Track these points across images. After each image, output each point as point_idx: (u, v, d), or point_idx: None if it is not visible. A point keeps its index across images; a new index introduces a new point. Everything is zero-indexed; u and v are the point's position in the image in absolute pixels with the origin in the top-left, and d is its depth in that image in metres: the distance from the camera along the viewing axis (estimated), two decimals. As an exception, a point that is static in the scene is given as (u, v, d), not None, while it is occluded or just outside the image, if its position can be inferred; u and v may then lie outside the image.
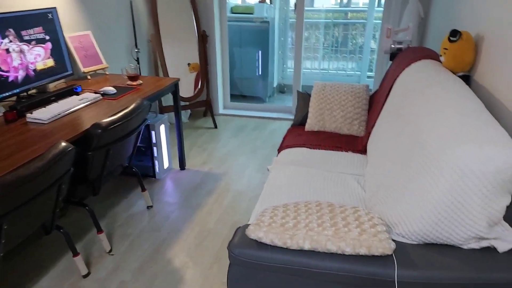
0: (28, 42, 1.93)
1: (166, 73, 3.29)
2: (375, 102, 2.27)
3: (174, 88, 2.54)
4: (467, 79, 1.73)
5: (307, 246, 1.12)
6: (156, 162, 2.61)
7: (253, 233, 1.18)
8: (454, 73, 1.70)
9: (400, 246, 1.12)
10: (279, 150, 2.28)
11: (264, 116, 3.85)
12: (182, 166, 2.81)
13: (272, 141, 3.31)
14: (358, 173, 1.86)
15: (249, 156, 3.04)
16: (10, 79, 1.84)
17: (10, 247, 1.41)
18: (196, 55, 3.49)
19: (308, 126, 2.36)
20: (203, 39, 3.48)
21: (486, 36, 1.64)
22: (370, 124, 2.14)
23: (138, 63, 3.09)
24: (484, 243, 1.07)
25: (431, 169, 1.10)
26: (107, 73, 2.62)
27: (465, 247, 1.10)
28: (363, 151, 2.09)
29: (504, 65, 1.44)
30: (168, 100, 3.47)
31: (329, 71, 4.90)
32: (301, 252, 1.13)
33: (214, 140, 3.34)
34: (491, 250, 1.08)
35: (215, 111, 3.88)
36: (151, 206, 2.36)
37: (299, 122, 2.49)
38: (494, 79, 1.52)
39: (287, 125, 3.67)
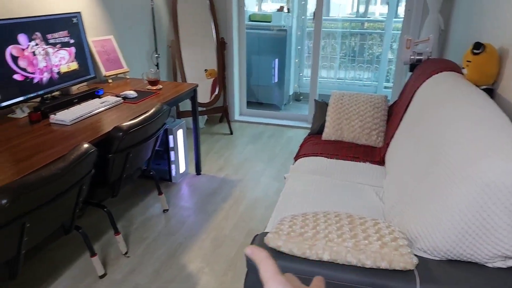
0: (53, 45, 1.98)
1: (184, 79, 3.33)
2: (394, 113, 2.25)
3: (193, 93, 2.57)
4: (490, 92, 1.70)
5: (326, 257, 1.11)
6: (173, 166, 2.63)
7: (272, 241, 1.17)
8: (477, 86, 1.67)
9: (421, 262, 1.10)
10: (296, 159, 2.27)
11: (280, 124, 3.85)
12: (198, 171, 2.82)
13: (288, 149, 3.31)
14: (376, 185, 1.84)
15: (266, 163, 3.04)
16: (35, 80, 1.89)
17: (31, 245, 1.43)
18: (213, 61, 3.53)
19: (326, 135, 2.35)
20: (222, 46, 3.51)
21: (510, 49, 1.61)
22: (388, 135, 2.12)
23: (158, 68, 3.13)
24: (511, 262, 1.05)
25: (453, 182, 1.08)
26: (127, 77, 2.67)
27: (490, 265, 1.07)
28: (381, 162, 2.07)
29: (530, 79, 1.42)
30: (185, 105, 3.50)
31: (345, 81, 4.88)
32: (320, 263, 1.12)
33: (230, 147, 3.35)
34: (517, 269, 1.06)
35: (231, 117, 3.90)
36: (167, 210, 2.37)
37: (316, 131, 2.48)
38: (519, 93, 1.50)
39: (303, 133, 3.66)
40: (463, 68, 1.73)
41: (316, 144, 2.31)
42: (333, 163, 2.06)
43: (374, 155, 2.15)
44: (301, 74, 4.85)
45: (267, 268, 0.32)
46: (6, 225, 1.21)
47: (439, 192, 1.13)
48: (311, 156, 2.17)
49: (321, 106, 2.55)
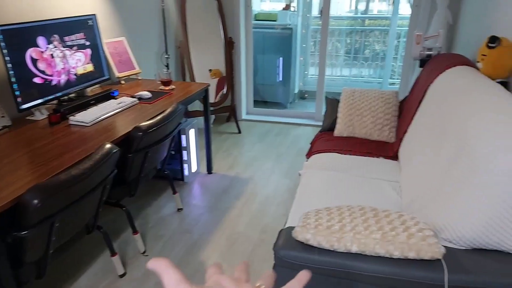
0: (70, 47, 2.00)
1: (193, 79, 3.35)
2: (406, 109, 2.27)
3: (205, 93, 2.59)
4: (505, 85, 1.72)
5: (354, 249, 1.13)
6: (186, 166, 2.66)
7: (301, 234, 1.20)
8: (492, 79, 1.70)
9: (448, 251, 1.12)
10: (308, 155, 2.29)
11: (287, 122, 3.87)
12: (209, 170, 2.84)
13: (296, 147, 3.33)
14: (392, 179, 1.87)
15: (274, 161, 3.07)
16: (54, 83, 1.91)
17: (58, 245, 1.45)
18: (220, 61, 3.55)
19: (338, 132, 2.37)
20: (229, 46, 3.53)
21: (524, 43, 1.64)
22: (401, 130, 2.14)
23: (168, 69, 3.15)
24: (537, 249, 1.07)
25: (480, 174, 1.10)
26: (139, 78, 2.69)
27: (516, 253, 1.10)
28: (395, 157, 2.10)
29: (546, 72, 1.44)
30: (193, 105, 3.52)
31: (350, 78, 4.90)
32: (348, 254, 1.15)
33: (239, 145, 3.37)
34: (542, 256, 1.08)
35: (238, 116, 3.92)
36: (181, 209, 2.39)
37: (328, 128, 2.50)
38: (534, 86, 1.52)
39: (310, 130, 3.69)
40: (478, 62, 1.75)
41: (328, 140, 2.34)
42: (347, 159, 2.08)
43: (387, 150, 2.17)
44: (306, 72, 4.87)
45: (170, 278, 0.31)
46: (36, 224, 1.23)
47: (465, 184, 1.15)
48: (324, 152, 2.19)
49: (332, 103, 2.58)
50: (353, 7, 5.40)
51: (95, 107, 2.00)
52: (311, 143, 2.49)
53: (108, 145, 1.50)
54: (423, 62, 2.45)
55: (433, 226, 1.22)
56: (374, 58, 4.84)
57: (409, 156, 1.81)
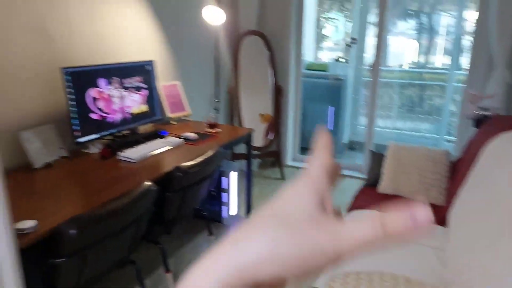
0: (128, 89, 2.17)
1: (241, 123, 3.45)
2: (458, 170, 2.13)
3: (248, 138, 2.64)
4: None
5: (382, 322, 1.04)
6: (224, 208, 2.67)
7: (324, 298, 1.13)
8: (554, 147, 1.55)
9: None
10: (349, 210, 2.21)
11: (332, 172, 3.79)
12: (249, 214, 2.83)
13: (339, 199, 3.22)
14: (436, 246, 1.72)
15: (315, 211, 2.97)
16: (110, 120, 2.07)
17: (89, 277, 1.50)
18: (268, 106, 3.63)
19: (382, 188, 2.27)
20: (279, 93, 3.62)
21: None
22: (451, 193, 2.00)
23: (218, 112, 3.29)
24: None
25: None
26: (189, 119, 2.83)
27: None
28: (442, 222, 1.94)
29: None
30: (239, 147, 3.60)
31: (404, 132, 4.74)
32: (375, 328, 1.05)
33: (280, 191, 3.34)
34: None
35: (284, 162, 3.92)
36: (215, 252, 2.38)
37: (371, 183, 2.41)
38: None
39: (356, 183, 3.56)
40: (537, 127, 1.62)
41: (371, 196, 2.24)
42: (389, 218, 1.97)
43: (434, 213, 2.02)
44: (355, 123, 4.81)
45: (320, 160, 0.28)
46: (71, 255, 1.30)
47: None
48: (365, 208, 2.10)
49: (377, 157, 2.50)
50: (415, 59, 5.33)
51: (144, 144, 2.12)
52: (354, 198, 2.40)
53: (147, 183, 1.57)
54: (479, 121, 2.32)
55: (476, 307, 1.10)
56: (431, 112, 4.66)
57: (459, 223, 1.67)
